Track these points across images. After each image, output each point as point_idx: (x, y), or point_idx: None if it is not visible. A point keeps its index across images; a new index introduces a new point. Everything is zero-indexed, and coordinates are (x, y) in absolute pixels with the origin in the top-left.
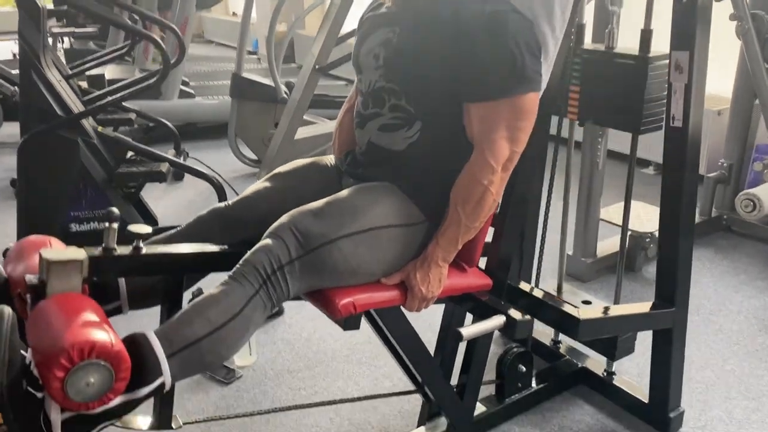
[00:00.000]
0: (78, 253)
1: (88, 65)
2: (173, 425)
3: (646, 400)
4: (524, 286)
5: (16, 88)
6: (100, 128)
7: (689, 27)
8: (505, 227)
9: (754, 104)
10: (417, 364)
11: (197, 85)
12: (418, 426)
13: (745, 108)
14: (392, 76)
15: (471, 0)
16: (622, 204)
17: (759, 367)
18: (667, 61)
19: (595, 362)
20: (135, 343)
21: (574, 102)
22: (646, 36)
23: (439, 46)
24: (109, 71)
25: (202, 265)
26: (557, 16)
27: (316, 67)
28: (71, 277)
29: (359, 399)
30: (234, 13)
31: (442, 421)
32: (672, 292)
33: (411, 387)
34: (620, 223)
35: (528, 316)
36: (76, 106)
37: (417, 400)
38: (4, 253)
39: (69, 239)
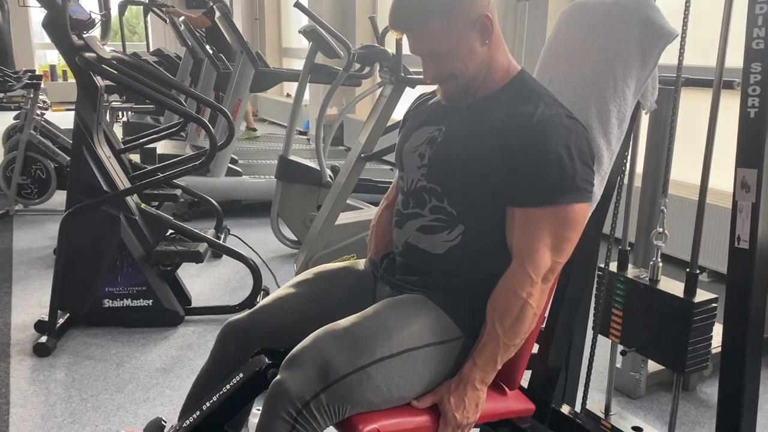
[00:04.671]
0: None
1: (141, 141)
2: None
3: None
4: (567, 409)
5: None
6: (143, 205)
7: (758, 142)
8: (553, 344)
9: None
10: None
11: (245, 163)
12: None
13: None
14: (435, 176)
15: (524, 102)
16: None
17: None
18: (715, 304)
19: None
20: None
21: (617, 326)
22: (691, 278)
23: (485, 147)
24: (162, 146)
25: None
26: (614, 129)
27: (362, 155)
28: None
29: None
30: (288, 95)
31: None
32: (737, 428)
33: None
34: None
35: None
36: (122, 182)
37: None
38: (37, 325)
39: (101, 315)
